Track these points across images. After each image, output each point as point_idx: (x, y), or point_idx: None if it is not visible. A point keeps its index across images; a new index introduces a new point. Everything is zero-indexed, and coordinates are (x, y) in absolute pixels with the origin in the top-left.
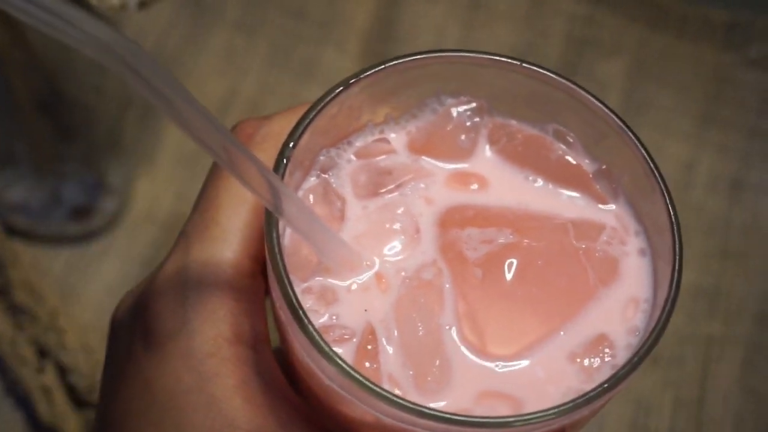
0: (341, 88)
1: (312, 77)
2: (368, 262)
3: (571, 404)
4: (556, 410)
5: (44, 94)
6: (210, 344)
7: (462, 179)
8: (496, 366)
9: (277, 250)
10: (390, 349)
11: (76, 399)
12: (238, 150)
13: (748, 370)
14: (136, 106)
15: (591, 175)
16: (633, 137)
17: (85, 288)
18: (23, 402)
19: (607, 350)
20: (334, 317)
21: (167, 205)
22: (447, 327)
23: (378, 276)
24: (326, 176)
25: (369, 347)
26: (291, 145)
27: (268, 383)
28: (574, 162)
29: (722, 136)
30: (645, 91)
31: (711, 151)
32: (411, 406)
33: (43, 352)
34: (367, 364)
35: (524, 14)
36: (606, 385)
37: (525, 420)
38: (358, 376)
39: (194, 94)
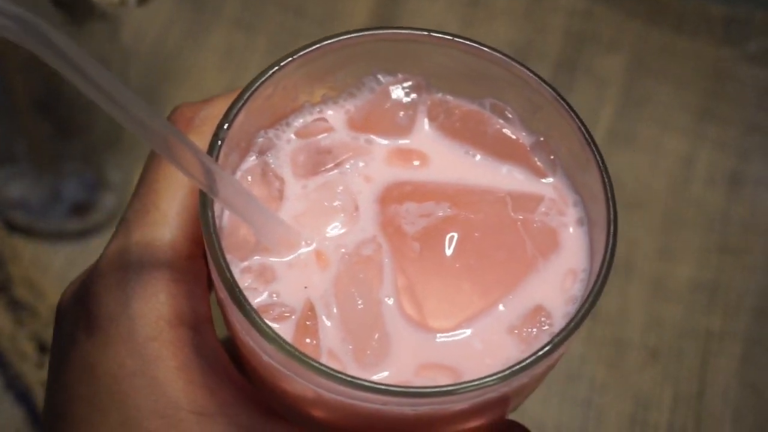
0: (275, 68)
1: None
2: (307, 240)
3: (508, 371)
4: (495, 377)
5: (43, 92)
6: (151, 327)
7: (402, 156)
8: (436, 339)
9: (212, 230)
10: (330, 325)
11: None
12: (170, 132)
13: (747, 364)
14: None
15: (529, 148)
16: (567, 108)
17: None
18: (24, 397)
19: (544, 320)
20: (274, 295)
21: None
22: (386, 301)
23: (317, 253)
24: (265, 157)
25: (308, 323)
26: (225, 126)
27: (211, 364)
28: (512, 135)
29: (721, 132)
30: (644, 87)
31: (710, 146)
32: (347, 378)
33: (43, 348)
34: (307, 341)
35: (523, 10)
36: (542, 352)
37: (464, 388)
38: (293, 350)
39: (194, 90)
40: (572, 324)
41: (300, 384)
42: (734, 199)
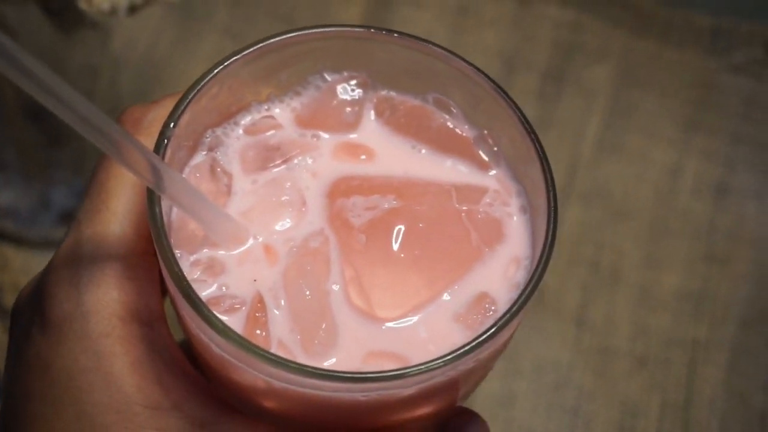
0: (219, 67)
1: None
2: (256, 235)
3: (454, 354)
4: (441, 360)
5: (33, 100)
6: (104, 324)
7: (350, 150)
8: (383, 328)
9: (159, 225)
10: (279, 316)
11: None
12: (116, 132)
13: (733, 373)
14: None
15: (472, 141)
16: (507, 100)
17: None
18: None
19: (487, 305)
20: (223, 287)
21: None
22: (334, 292)
23: (266, 247)
24: (213, 153)
25: (258, 315)
26: (171, 125)
27: (165, 359)
28: (456, 129)
29: (707, 142)
30: (631, 97)
31: (696, 156)
32: (295, 366)
33: None
34: (258, 332)
35: (511, 20)
36: (486, 335)
37: (411, 372)
38: (240, 339)
39: None
40: (515, 308)
41: (250, 374)
42: (720, 209)
